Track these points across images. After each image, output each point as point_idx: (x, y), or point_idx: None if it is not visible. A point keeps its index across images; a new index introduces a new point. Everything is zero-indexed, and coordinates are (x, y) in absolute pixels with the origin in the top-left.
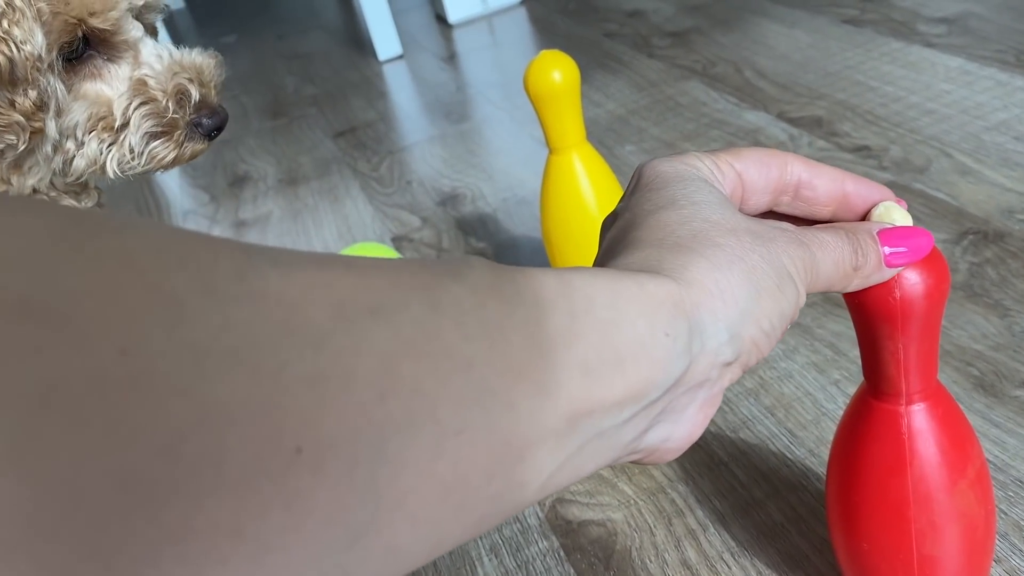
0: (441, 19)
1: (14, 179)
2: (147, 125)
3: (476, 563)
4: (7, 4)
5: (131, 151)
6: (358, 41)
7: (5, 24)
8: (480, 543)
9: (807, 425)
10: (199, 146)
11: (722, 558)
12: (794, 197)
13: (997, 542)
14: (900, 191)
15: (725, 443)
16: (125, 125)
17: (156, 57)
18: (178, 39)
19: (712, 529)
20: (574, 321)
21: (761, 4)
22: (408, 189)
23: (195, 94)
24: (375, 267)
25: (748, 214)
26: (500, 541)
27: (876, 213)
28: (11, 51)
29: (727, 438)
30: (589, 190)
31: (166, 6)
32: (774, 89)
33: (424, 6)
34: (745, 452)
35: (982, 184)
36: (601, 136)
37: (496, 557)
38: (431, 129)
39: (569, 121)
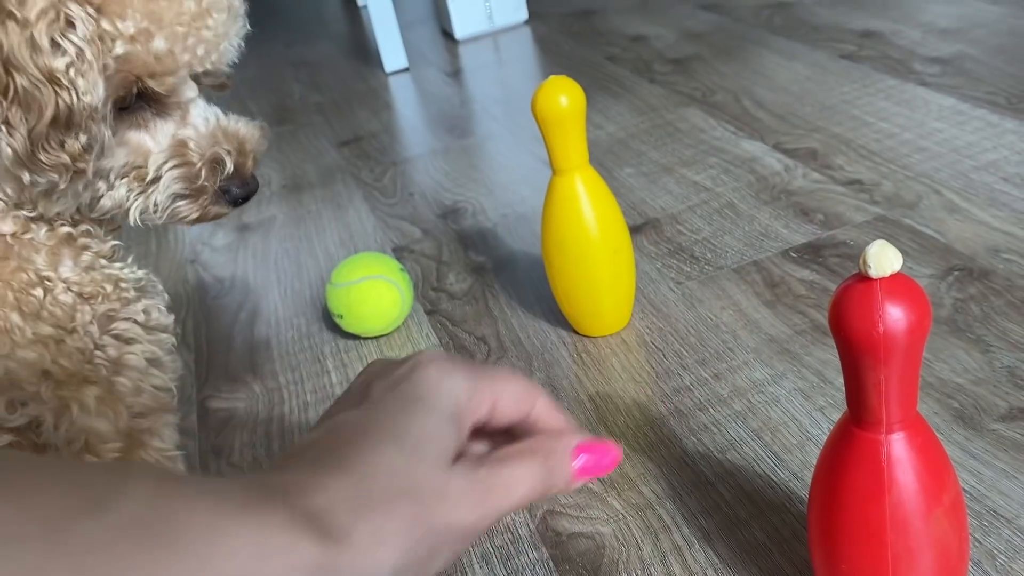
0: (447, 34)
1: (41, 204)
2: (177, 186)
3: (467, 569)
4: (78, 55)
5: (155, 205)
6: (365, 52)
7: (71, 73)
8: (472, 551)
9: (792, 449)
10: (222, 210)
11: (706, 574)
12: (529, 426)
13: (970, 569)
14: (890, 226)
15: (712, 463)
16: (156, 180)
17: (203, 120)
18: None
19: (697, 546)
20: (203, 566)
21: (762, 35)
22: (410, 201)
23: (230, 165)
24: (18, 493)
25: (493, 428)
26: (491, 550)
27: (871, 252)
28: (71, 99)
29: (714, 458)
30: (590, 211)
31: (228, 75)
32: (771, 119)
33: (431, 21)
34: (732, 472)
35: (969, 222)
36: (601, 158)
37: (487, 565)
38: (434, 143)
39: (573, 144)
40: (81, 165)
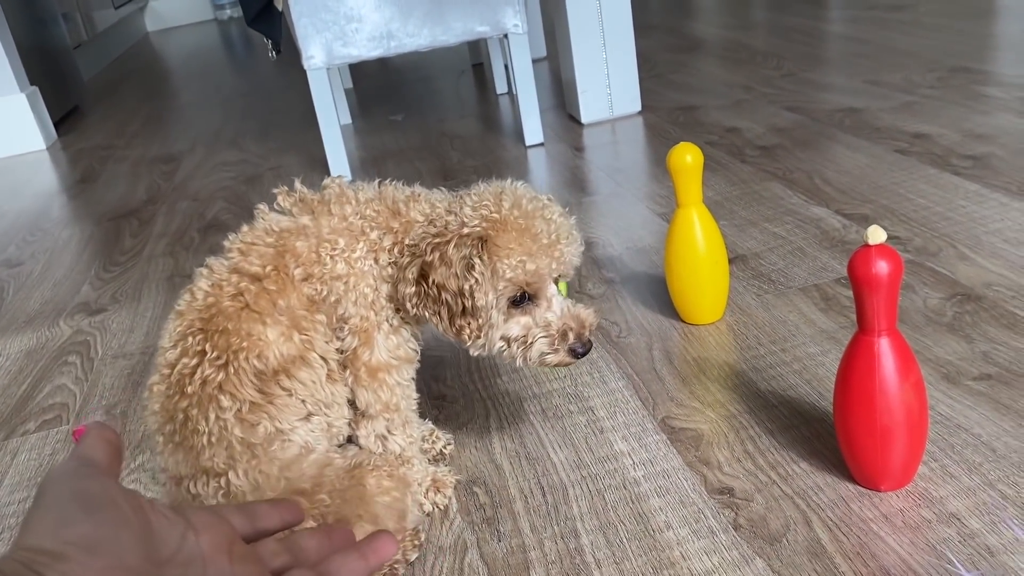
0: (574, 119)
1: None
2: (543, 346)
3: (613, 443)
4: (477, 281)
5: (530, 358)
6: (504, 129)
7: (471, 286)
8: (613, 431)
9: (829, 391)
10: (569, 360)
11: (769, 449)
12: None
13: (941, 450)
14: (916, 267)
15: (776, 396)
16: (533, 343)
17: (559, 308)
18: (353, 114)
19: (764, 437)
20: None
21: (833, 132)
22: None
23: (571, 336)
24: None
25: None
26: (628, 434)
27: (869, 230)
28: (470, 303)
29: (778, 394)
30: (700, 233)
31: (574, 273)
32: (835, 193)
33: (559, 108)
34: (788, 401)
35: (974, 267)
36: None
37: (626, 442)
38: (569, 197)
39: (693, 188)
40: (477, 334)
